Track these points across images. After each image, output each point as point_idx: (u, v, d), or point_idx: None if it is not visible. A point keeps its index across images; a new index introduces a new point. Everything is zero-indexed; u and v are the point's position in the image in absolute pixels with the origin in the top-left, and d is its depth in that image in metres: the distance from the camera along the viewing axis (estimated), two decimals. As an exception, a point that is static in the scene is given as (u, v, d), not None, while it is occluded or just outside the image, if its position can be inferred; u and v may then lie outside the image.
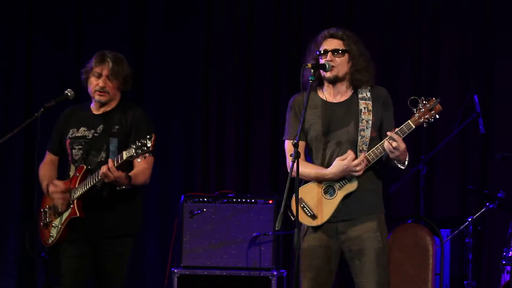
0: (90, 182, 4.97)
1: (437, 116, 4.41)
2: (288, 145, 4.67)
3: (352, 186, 4.52)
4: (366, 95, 4.59)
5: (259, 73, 8.04)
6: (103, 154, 5.06)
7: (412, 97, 4.45)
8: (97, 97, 5.14)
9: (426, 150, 7.36)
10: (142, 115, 5.17)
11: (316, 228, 4.58)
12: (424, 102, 4.42)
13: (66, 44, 8.15)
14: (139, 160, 4.89)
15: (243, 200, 6.79)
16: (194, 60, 8.13)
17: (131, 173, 4.97)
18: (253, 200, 6.78)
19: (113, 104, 5.18)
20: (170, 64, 8.12)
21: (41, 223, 5.18)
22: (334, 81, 4.62)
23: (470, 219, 6.48)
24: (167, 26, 8.16)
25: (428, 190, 7.36)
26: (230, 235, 6.72)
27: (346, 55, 4.59)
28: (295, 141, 4.31)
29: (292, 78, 7.73)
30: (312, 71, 4.50)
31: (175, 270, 6.71)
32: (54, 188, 5.12)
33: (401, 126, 4.45)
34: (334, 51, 4.58)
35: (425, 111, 4.41)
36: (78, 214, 5.00)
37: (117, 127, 5.10)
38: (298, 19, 8.01)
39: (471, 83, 7.57)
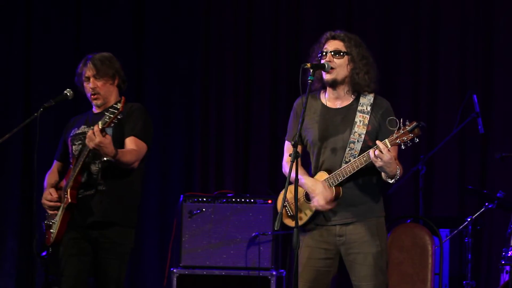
0: (81, 160, 4.99)
1: (417, 140, 4.29)
2: (287, 145, 4.71)
3: None
4: (366, 109, 4.56)
5: (258, 73, 8.04)
6: None
7: (390, 118, 4.37)
8: (93, 102, 5.22)
9: (425, 150, 7.37)
10: (138, 107, 5.20)
11: (315, 230, 4.59)
12: (406, 123, 4.32)
13: (65, 44, 8.15)
14: (112, 125, 4.86)
15: (242, 200, 6.79)
16: (194, 60, 8.13)
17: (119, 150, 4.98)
18: (252, 200, 6.78)
19: (112, 101, 5.20)
20: (170, 64, 8.12)
21: (46, 226, 5.21)
22: (333, 84, 4.59)
23: (469, 219, 6.49)
24: (166, 26, 8.16)
25: (427, 190, 7.36)
26: (229, 235, 6.72)
27: (346, 57, 4.56)
28: (294, 142, 4.32)
29: (291, 78, 7.73)
30: (311, 71, 4.50)
31: (174, 270, 6.72)
32: (48, 196, 5.15)
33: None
34: (334, 52, 4.56)
35: (404, 133, 4.30)
36: (70, 200, 5.01)
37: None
38: (297, 18, 8.01)
39: (470, 83, 7.58)
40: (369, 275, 4.52)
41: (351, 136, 4.51)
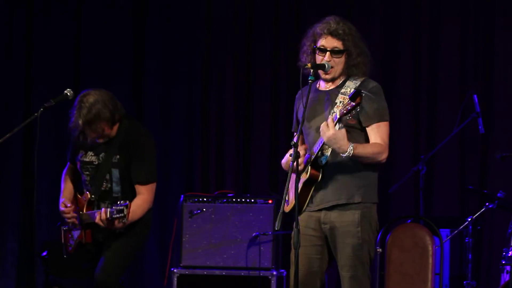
0: (92, 219, 5.14)
1: (358, 108, 4.37)
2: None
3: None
4: (349, 91, 4.54)
5: (258, 72, 8.04)
6: (106, 184, 5.19)
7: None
8: (99, 141, 5.21)
9: (426, 150, 7.37)
10: (140, 143, 5.21)
11: (303, 217, 4.62)
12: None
13: (65, 44, 8.15)
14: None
15: (243, 200, 6.79)
16: (194, 60, 8.13)
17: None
18: (252, 200, 6.78)
19: (114, 132, 5.22)
20: (170, 64, 8.12)
21: (66, 228, 5.35)
22: (331, 81, 4.68)
23: (469, 219, 6.48)
24: (167, 26, 8.15)
25: (427, 190, 7.36)
26: (229, 235, 6.72)
27: (344, 53, 4.61)
28: (294, 142, 4.34)
29: (291, 78, 7.73)
30: (311, 71, 4.53)
31: (175, 270, 6.72)
32: (65, 208, 5.26)
33: None
34: (333, 52, 4.60)
35: (349, 102, 4.35)
36: (84, 242, 5.21)
37: (118, 157, 5.18)
38: (297, 18, 8.01)
39: (470, 83, 7.58)
40: (347, 265, 4.55)
41: (329, 116, 4.50)
